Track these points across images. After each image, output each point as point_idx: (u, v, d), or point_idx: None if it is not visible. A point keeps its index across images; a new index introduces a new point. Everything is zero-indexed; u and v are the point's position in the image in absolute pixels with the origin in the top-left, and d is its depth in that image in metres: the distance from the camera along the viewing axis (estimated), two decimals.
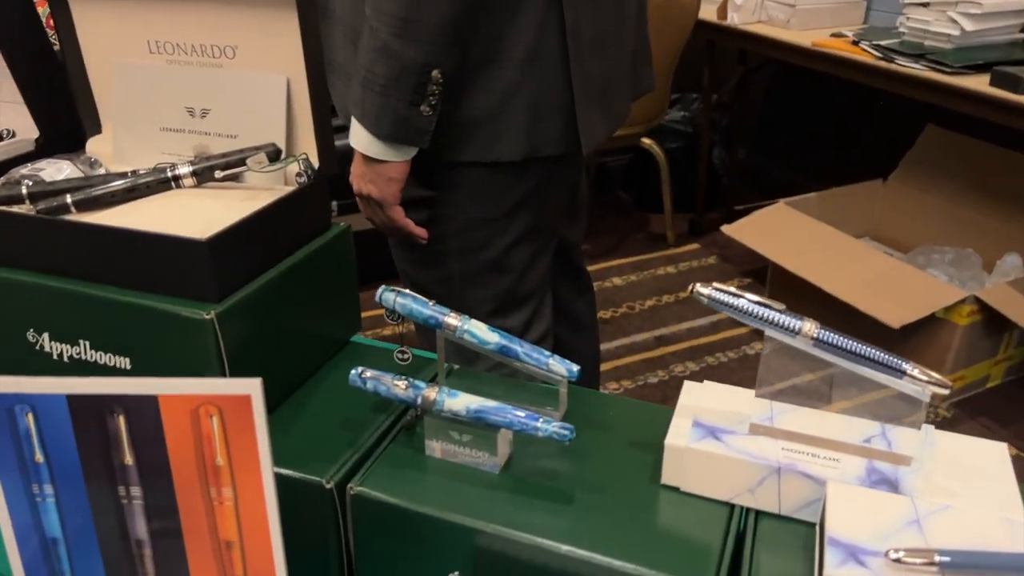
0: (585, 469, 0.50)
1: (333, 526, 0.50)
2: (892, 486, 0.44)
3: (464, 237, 0.85)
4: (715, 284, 0.46)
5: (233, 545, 0.42)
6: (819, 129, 2.64)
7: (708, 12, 2.25)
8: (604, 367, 2.05)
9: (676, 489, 0.49)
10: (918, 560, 0.37)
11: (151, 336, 0.51)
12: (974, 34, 1.79)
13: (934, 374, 0.43)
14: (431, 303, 0.54)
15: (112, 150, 0.64)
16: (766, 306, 0.45)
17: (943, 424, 1.79)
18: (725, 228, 2.18)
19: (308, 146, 0.59)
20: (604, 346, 2.13)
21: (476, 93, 0.76)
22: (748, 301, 0.45)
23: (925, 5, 1.87)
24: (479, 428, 0.49)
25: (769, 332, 0.46)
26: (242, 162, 0.55)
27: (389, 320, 0.55)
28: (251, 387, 0.39)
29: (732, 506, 0.47)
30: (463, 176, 0.81)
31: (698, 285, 0.47)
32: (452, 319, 0.53)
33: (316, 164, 0.58)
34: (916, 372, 0.43)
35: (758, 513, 0.47)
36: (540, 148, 0.80)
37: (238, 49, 0.57)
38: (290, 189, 0.57)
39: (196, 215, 0.53)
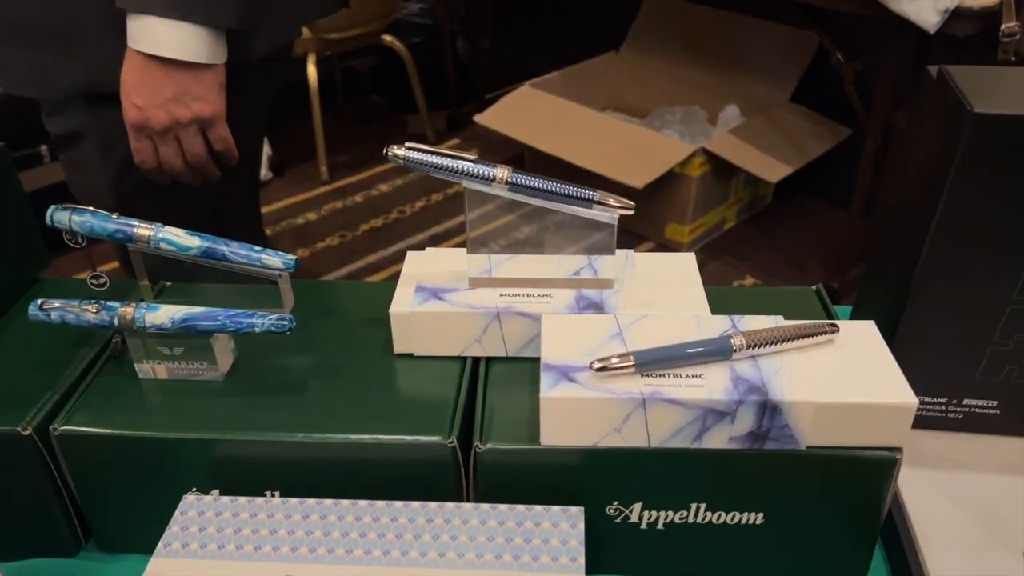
0: (317, 358, 0.49)
1: (44, 473, 0.45)
2: (598, 308, 0.47)
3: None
4: (408, 143, 0.45)
5: None
6: (553, 7, 2.69)
7: None
8: (383, 274, 2.04)
9: (410, 355, 0.49)
10: (617, 364, 0.40)
11: None
12: None
13: (619, 198, 0.46)
14: (115, 215, 0.48)
15: None
16: (459, 158, 0.45)
17: None
18: (477, 118, 2.19)
19: None
20: (381, 253, 2.11)
21: None
22: (441, 156, 0.45)
23: None
24: (190, 338, 0.46)
25: (466, 184, 0.46)
26: None
27: (70, 242, 0.49)
28: None
29: (464, 359, 0.48)
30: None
31: (393, 147, 0.45)
32: (143, 229, 0.48)
33: None
34: (600, 198, 0.45)
35: (488, 359, 0.48)
36: None
37: None
38: None
39: None
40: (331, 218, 2.23)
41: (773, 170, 1.90)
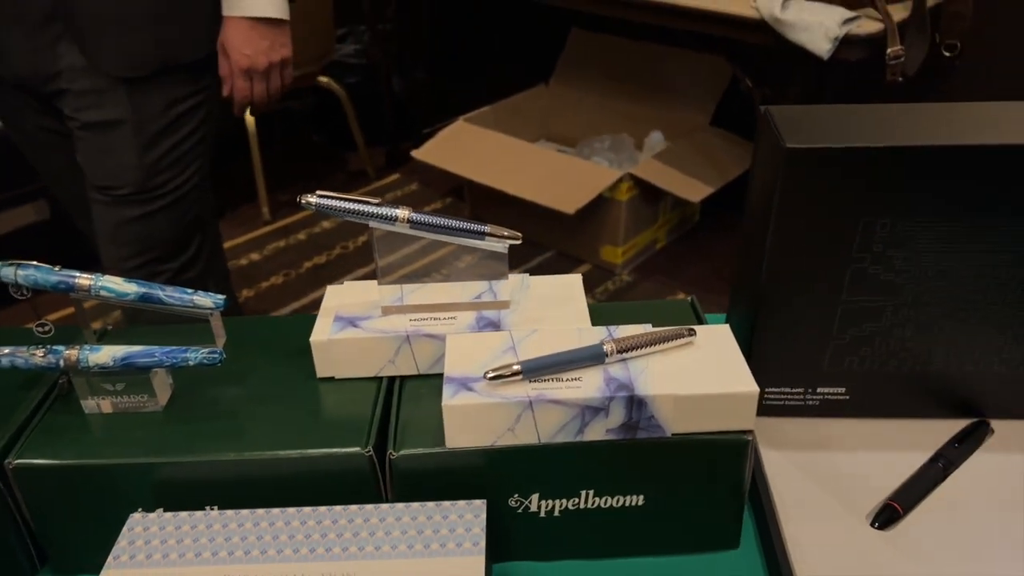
0: (248, 386, 0.55)
1: (0, 504, 0.49)
2: (496, 327, 0.54)
3: None
4: (319, 191, 0.52)
5: None
6: (484, 44, 2.79)
7: None
8: None
9: (331, 379, 0.55)
10: (506, 372, 0.47)
11: None
12: None
13: (505, 230, 0.53)
14: (57, 268, 0.53)
15: None
16: (364, 202, 0.52)
17: (625, 288, 2.07)
18: (415, 153, 2.26)
19: None
20: (326, 289, 2.16)
21: None
22: (349, 201, 0.51)
23: None
24: (131, 374, 0.51)
25: (373, 224, 0.52)
26: None
27: (15, 295, 0.54)
28: None
29: (380, 379, 0.54)
30: None
31: (306, 196, 0.52)
32: (83, 279, 0.53)
33: None
34: (491, 231, 0.52)
35: (402, 378, 0.54)
36: None
37: None
38: None
39: None
40: (275, 257, 2.27)
41: (696, 191, 2.01)
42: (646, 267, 2.16)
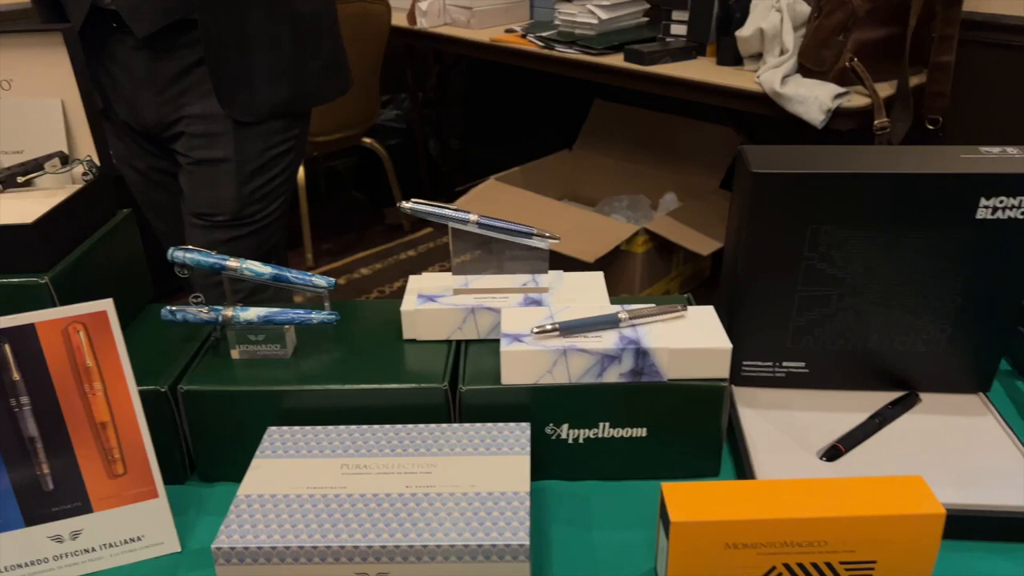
0: (351, 344, 0.73)
1: (170, 418, 0.67)
2: (538, 304, 0.72)
3: None
4: (414, 199, 0.71)
5: (107, 425, 0.58)
6: (513, 113, 3.04)
7: (399, 19, 2.53)
8: None
9: (414, 340, 0.73)
10: (548, 328, 0.65)
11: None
12: (609, 21, 2.24)
13: (548, 232, 0.71)
14: (213, 252, 0.72)
15: None
16: (446, 207, 0.70)
17: None
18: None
19: (88, 152, 0.74)
20: None
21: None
22: (434, 206, 0.70)
23: (570, 0, 2.29)
24: (269, 328, 0.70)
25: (452, 224, 0.71)
26: (40, 167, 0.69)
27: (179, 274, 0.72)
28: (105, 305, 0.56)
29: (450, 342, 0.72)
30: None
31: (402, 203, 0.71)
32: (232, 262, 0.72)
33: (98, 163, 0.74)
34: (537, 232, 0.71)
35: (467, 342, 0.72)
36: None
37: (13, 81, 0.71)
38: (80, 186, 0.72)
39: (12, 211, 0.67)
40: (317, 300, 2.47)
41: (706, 245, 2.19)
42: None
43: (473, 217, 0.71)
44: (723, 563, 0.55)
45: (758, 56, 1.96)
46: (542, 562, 0.61)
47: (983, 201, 0.65)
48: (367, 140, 2.70)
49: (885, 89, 1.80)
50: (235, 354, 0.71)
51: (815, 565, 0.55)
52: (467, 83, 2.96)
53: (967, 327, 0.70)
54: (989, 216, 0.65)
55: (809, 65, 1.82)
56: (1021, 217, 0.65)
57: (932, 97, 1.84)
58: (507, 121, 3.07)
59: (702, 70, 2.02)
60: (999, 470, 0.65)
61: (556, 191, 2.68)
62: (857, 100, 1.77)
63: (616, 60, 2.12)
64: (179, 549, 0.63)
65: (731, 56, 2.01)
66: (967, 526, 0.62)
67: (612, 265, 2.22)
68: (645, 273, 2.25)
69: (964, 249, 0.67)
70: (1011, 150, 0.67)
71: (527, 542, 0.54)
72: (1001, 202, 0.64)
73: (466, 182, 2.79)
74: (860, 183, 0.65)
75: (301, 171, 2.52)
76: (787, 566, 0.55)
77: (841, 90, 1.76)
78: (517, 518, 0.56)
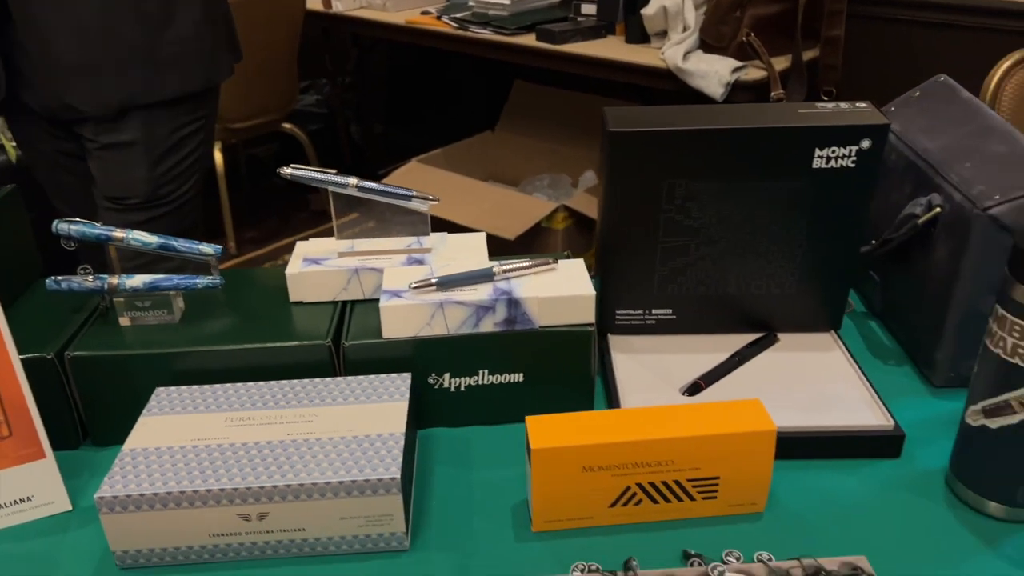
0: (238, 308, 0.75)
1: (58, 384, 0.69)
2: (420, 263, 0.76)
3: None
4: (293, 164, 0.73)
5: None
6: (435, 95, 3.06)
7: (314, 3, 2.52)
8: None
9: (300, 303, 0.75)
10: (423, 283, 0.69)
11: None
12: (521, 2, 2.27)
13: (427, 194, 0.75)
14: (99, 224, 0.74)
15: None
16: (324, 171, 0.73)
17: None
18: None
19: None
20: None
21: None
22: (314, 171, 0.73)
23: None
24: (155, 295, 0.72)
25: (331, 188, 0.74)
26: None
27: (65, 246, 0.74)
28: None
29: (336, 303, 0.75)
30: None
31: (282, 168, 0.73)
32: (118, 232, 0.74)
33: None
34: (417, 194, 0.74)
35: (353, 302, 0.76)
36: None
37: None
38: None
39: None
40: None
41: None
42: None
43: (352, 181, 0.74)
44: (582, 485, 0.60)
45: (663, 34, 2.02)
46: (423, 500, 0.65)
47: (817, 151, 0.71)
48: (287, 126, 2.68)
49: (781, 63, 1.89)
50: (124, 321, 0.73)
51: (665, 484, 0.61)
52: (387, 66, 2.96)
53: (813, 270, 0.77)
54: (824, 165, 0.71)
55: (709, 41, 1.89)
56: (852, 166, 0.71)
57: (825, 70, 1.94)
58: (429, 104, 3.08)
59: (611, 48, 2.08)
60: (841, 397, 0.72)
61: (479, 172, 2.72)
62: (754, 73, 1.85)
63: (529, 40, 2.16)
64: (70, 508, 0.65)
65: (638, 34, 2.07)
66: (810, 446, 0.68)
67: (534, 242, 2.27)
68: (565, 249, 2.31)
69: (803, 197, 0.73)
70: (844, 105, 0.73)
71: (398, 475, 0.58)
72: (834, 151, 0.71)
73: (388, 165, 2.81)
74: (705, 138, 0.70)
75: (220, 158, 2.50)
76: (640, 486, 0.61)
77: (739, 64, 1.84)
78: (391, 455, 0.60)
